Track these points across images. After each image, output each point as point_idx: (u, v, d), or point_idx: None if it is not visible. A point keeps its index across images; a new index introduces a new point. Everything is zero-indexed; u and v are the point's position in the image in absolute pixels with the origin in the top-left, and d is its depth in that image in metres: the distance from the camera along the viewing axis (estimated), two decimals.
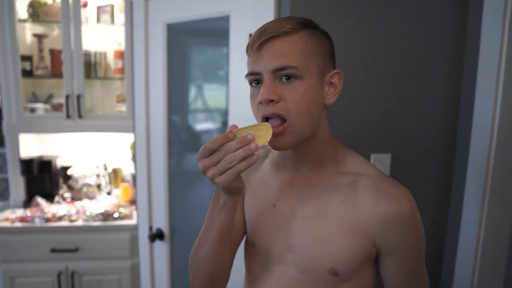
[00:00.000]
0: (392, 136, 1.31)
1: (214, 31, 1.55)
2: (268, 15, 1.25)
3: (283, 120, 0.71)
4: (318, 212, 0.77)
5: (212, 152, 0.66)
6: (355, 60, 1.25)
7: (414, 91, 1.29)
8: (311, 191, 0.79)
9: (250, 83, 0.75)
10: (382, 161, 1.31)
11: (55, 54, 2.24)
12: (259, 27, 0.73)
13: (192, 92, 1.69)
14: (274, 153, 0.89)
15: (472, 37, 1.26)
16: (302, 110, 0.71)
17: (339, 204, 0.76)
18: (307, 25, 0.73)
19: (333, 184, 0.78)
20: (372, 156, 1.30)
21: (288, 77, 0.70)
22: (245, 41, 1.32)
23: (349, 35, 1.23)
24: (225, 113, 1.48)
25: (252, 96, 0.75)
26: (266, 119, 0.72)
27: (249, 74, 0.74)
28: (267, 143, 0.69)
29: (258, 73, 0.72)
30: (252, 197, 0.89)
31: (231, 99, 1.41)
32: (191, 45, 1.70)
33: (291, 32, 0.71)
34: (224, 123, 1.53)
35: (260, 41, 0.70)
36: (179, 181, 1.71)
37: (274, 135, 0.70)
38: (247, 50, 0.74)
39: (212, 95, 1.63)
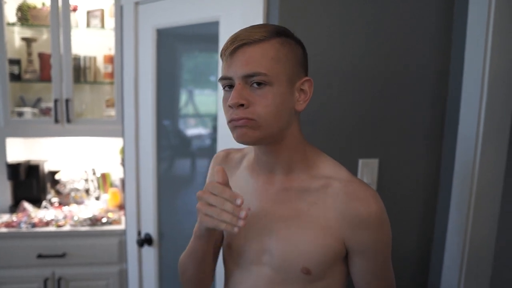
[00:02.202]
0: (379, 141, 1.33)
1: (204, 37, 1.56)
2: (257, 20, 1.26)
3: (252, 120, 0.74)
4: (290, 215, 0.81)
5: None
6: (342, 64, 1.26)
7: (401, 97, 1.31)
8: (284, 195, 0.82)
9: (224, 88, 0.78)
10: (370, 166, 1.33)
11: (44, 58, 2.23)
12: (233, 34, 0.76)
13: (182, 97, 1.69)
14: (250, 158, 0.91)
15: (457, 42, 1.29)
16: (271, 114, 0.74)
17: (310, 207, 0.80)
18: (280, 33, 0.76)
19: (305, 188, 0.81)
20: (360, 161, 1.32)
21: (258, 83, 0.73)
22: None
23: (337, 40, 1.25)
24: (214, 118, 1.48)
25: (224, 100, 0.78)
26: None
27: (222, 79, 0.77)
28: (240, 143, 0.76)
29: (230, 78, 0.75)
30: None
31: (220, 104, 1.42)
32: (181, 50, 1.70)
33: (263, 39, 0.73)
34: (213, 127, 1.53)
35: (233, 47, 0.73)
36: (168, 186, 1.71)
37: (240, 127, 0.74)
38: (221, 56, 0.77)
39: (202, 100, 1.64)
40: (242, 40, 0.73)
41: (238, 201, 0.70)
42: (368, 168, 1.33)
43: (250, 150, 0.93)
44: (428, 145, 1.36)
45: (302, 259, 0.79)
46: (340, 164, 0.84)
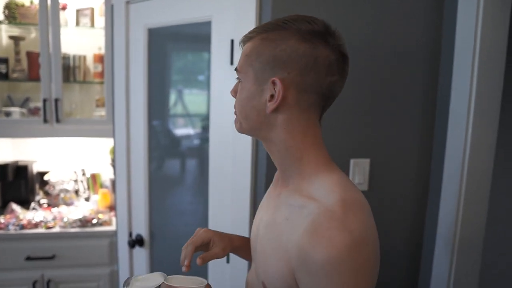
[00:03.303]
0: (371, 141, 1.34)
1: (196, 37, 1.55)
2: (249, 21, 1.26)
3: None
4: (270, 223, 0.76)
5: None
6: None
7: (392, 97, 1.33)
8: (274, 201, 0.79)
9: None
10: (361, 165, 1.34)
11: (32, 57, 2.20)
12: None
13: (173, 97, 1.68)
14: None
15: (446, 44, 1.30)
16: (239, 108, 0.77)
17: (283, 221, 0.71)
18: (270, 28, 0.71)
19: (286, 199, 0.73)
20: (352, 161, 1.33)
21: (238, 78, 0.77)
22: (226, 46, 1.33)
23: None
24: (205, 118, 1.48)
25: None
26: None
27: None
28: None
29: None
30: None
31: (212, 104, 1.41)
32: (173, 50, 1.70)
33: (252, 37, 0.75)
34: (205, 128, 1.52)
35: (240, 45, 0.79)
36: (159, 186, 1.70)
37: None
38: None
39: (194, 100, 1.63)
40: (242, 38, 0.77)
41: (185, 262, 0.81)
42: (360, 168, 1.34)
43: None
44: (419, 145, 1.38)
45: (262, 272, 0.75)
46: (345, 188, 0.68)
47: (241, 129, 0.79)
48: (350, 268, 0.60)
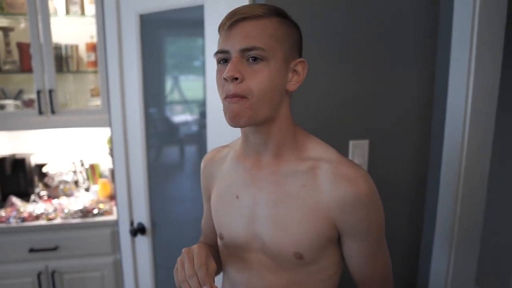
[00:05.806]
0: (370, 123, 1.33)
1: (189, 21, 1.52)
2: (242, 3, 1.23)
3: (244, 98, 0.73)
4: (279, 198, 0.80)
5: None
6: (332, 47, 1.25)
7: (391, 78, 1.31)
8: (272, 178, 0.81)
9: (218, 61, 0.76)
10: (361, 147, 1.33)
11: (23, 48, 2.16)
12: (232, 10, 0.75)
13: (169, 83, 1.66)
14: (237, 147, 0.91)
15: (444, 23, 1.28)
16: (264, 90, 0.72)
17: (299, 189, 0.78)
18: (279, 13, 0.76)
19: (293, 170, 0.80)
20: (351, 143, 1.32)
21: (255, 58, 0.72)
22: None
23: (325, 22, 1.23)
24: (202, 104, 1.46)
25: (218, 72, 0.76)
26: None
27: (218, 52, 0.75)
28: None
29: (227, 52, 0.74)
30: (218, 193, 0.92)
31: (208, 89, 1.39)
32: (166, 36, 1.66)
33: (263, 16, 0.73)
34: (202, 114, 1.51)
35: (232, 21, 0.73)
36: (158, 174, 1.70)
37: (233, 104, 0.73)
38: (219, 30, 0.77)
39: (189, 86, 1.61)
40: (242, 15, 0.72)
41: None
42: (359, 149, 1.33)
43: (236, 143, 0.94)
44: (417, 126, 1.37)
45: (293, 244, 0.78)
46: (329, 145, 0.83)
47: (252, 117, 0.73)
48: (376, 192, 0.78)
